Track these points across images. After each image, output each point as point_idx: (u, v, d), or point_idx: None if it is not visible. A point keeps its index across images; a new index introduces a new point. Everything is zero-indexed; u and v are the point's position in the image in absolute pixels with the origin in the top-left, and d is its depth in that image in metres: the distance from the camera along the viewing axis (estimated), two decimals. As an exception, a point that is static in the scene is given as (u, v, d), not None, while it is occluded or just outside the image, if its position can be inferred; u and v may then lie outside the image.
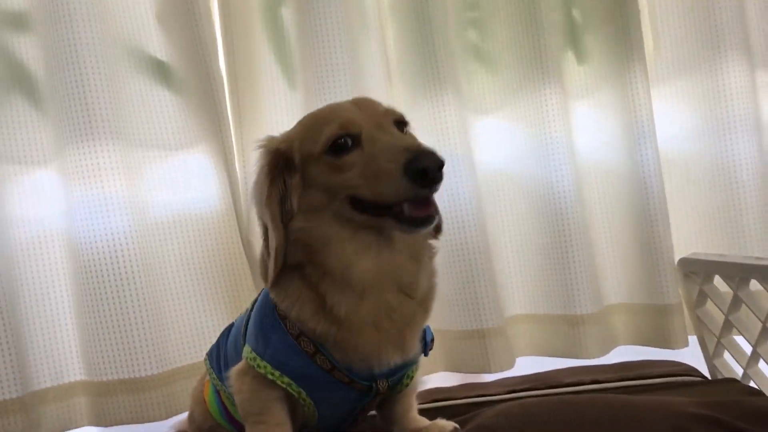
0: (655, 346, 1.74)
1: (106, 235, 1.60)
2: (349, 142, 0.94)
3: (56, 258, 1.66)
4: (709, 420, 1.06)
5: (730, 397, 1.25)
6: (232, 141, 1.69)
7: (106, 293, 1.60)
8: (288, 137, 1.04)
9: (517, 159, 1.79)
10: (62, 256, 1.66)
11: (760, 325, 1.41)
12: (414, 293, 1.03)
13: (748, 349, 1.51)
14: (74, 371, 1.67)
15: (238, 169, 1.70)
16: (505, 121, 1.80)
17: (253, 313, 1.13)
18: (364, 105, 1.01)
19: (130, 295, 1.60)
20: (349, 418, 1.18)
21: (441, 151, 1.65)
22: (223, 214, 1.71)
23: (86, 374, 1.66)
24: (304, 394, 1.05)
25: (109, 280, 1.60)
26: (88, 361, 1.64)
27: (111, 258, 1.59)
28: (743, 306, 1.47)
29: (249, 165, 1.71)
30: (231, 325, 1.31)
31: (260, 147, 1.05)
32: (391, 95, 1.78)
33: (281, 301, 1.03)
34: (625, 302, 1.81)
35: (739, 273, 1.43)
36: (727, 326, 1.54)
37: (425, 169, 0.86)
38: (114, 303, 1.60)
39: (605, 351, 1.76)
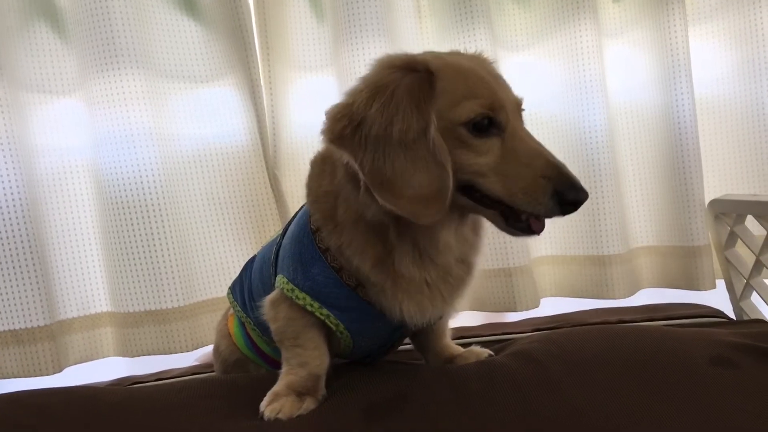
0: (682, 288, 1.74)
1: (131, 166, 1.59)
2: (487, 123, 0.89)
3: (82, 188, 1.65)
4: (751, 348, 1.05)
5: (765, 329, 1.24)
6: (259, 74, 1.67)
7: (132, 225, 1.60)
8: (430, 63, 0.91)
9: (549, 98, 1.76)
10: (88, 186, 1.65)
11: (791, 265, 1.40)
12: (472, 261, 1.04)
13: (777, 290, 1.50)
14: (101, 302, 1.68)
15: (265, 103, 1.68)
16: (537, 59, 1.77)
17: (286, 244, 1.11)
18: (503, 81, 0.96)
19: (156, 228, 1.60)
20: (383, 347, 1.18)
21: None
22: (250, 148, 1.69)
23: (112, 305, 1.66)
24: (342, 326, 1.04)
25: (135, 212, 1.59)
26: (115, 293, 1.64)
27: (137, 189, 1.58)
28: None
29: (276, 98, 1.69)
30: (253, 258, 1.31)
31: (415, 63, 0.91)
32: (421, 30, 1.74)
33: (346, 247, 0.99)
34: (653, 245, 1.80)
35: (773, 212, 1.41)
36: (758, 267, 1.52)
37: (576, 203, 0.85)
38: (140, 235, 1.60)
39: (631, 292, 1.75)
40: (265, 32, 1.68)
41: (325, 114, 0.91)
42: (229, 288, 1.34)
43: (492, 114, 0.88)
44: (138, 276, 1.61)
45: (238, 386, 1.10)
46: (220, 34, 1.67)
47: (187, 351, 1.65)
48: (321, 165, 1.04)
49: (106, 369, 1.70)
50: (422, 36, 1.73)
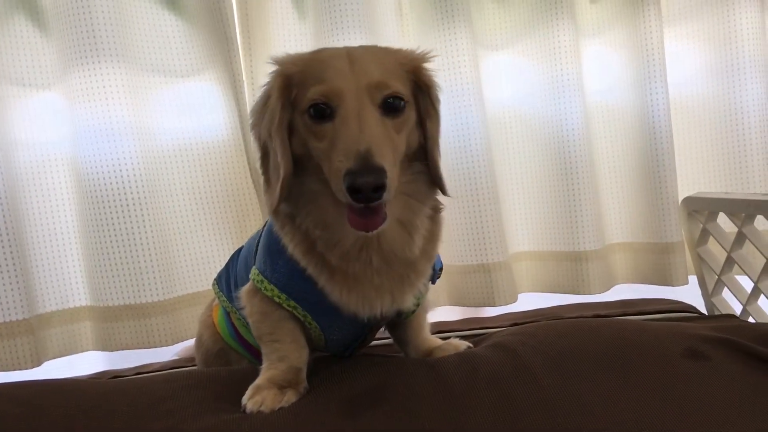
0: (655, 284, 1.78)
1: (112, 160, 1.58)
2: (329, 111, 0.90)
3: (62, 182, 1.64)
4: (722, 341, 1.08)
5: (736, 323, 1.28)
6: (241, 69, 1.67)
7: (112, 219, 1.59)
8: (297, 62, 0.97)
9: (526, 96, 1.79)
10: (68, 180, 1.64)
11: (763, 261, 1.43)
12: (402, 257, 1.01)
13: (747, 286, 1.54)
14: (80, 296, 1.67)
15: (246, 98, 1.68)
16: (516, 58, 1.80)
17: (262, 236, 1.13)
18: (362, 65, 0.92)
19: (137, 222, 1.59)
20: (356, 340, 1.19)
21: (452, 86, 1.69)
22: (231, 143, 1.69)
23: (92, 299, 1.66)
24: (309, 317, 1.06)
25: (115, 206, 1.58)
26: (94, 287, 1.64)
27: (117, 183, 1.58)
28: (746, 243, 1.50)
29: (258, 93, 1.68)
30: (240, 250, 1.32)
31: (275, 65, 0.99)
32: (402, 28, 1.76)
33: (281, 234, 1.03)
34: (628, 241, 1.84)
35: (744, 209, 1.45)
36: (729, 263, 1.57)
37: (358, 188, 0.82)
38: (120, 229, 1.59)
39: (606, 288, 1.79)
40: (247, 27, 1.69)
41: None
42: (215, 279, 1.35)
43: (326, 100, 0.90)
44: (118, 270, 1.61)
45: (220, 378, 1.11)
46: (202, 29, 1.67)
47: (167, 345, 1.65)
48: None
49: (85, 363, 1.70)
50: (403, 34, 1.75)
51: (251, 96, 1.69)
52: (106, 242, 1.60)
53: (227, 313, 1.29)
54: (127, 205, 1.59)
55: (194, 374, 1.15)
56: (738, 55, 1.75)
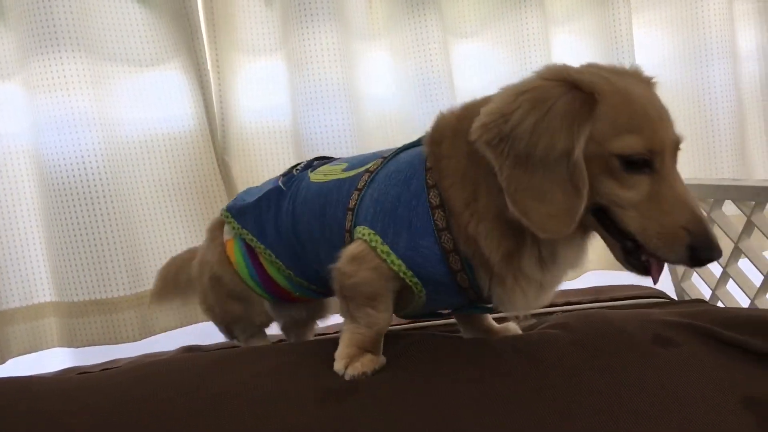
0: (626, 270, 1.78)
1: (74, 152, 1.55)
2: (644, 161, 0.86)
3: (23, 175, 1.61)
4: (687, 326, 1.08)
5: (703, 308, 1.29)
6: (206, 57, 1.64)
7: (76, 213, 1.56)
8: (595, 86, 0.87)
9: (496, 84, 1.78)
10: (30, 173, 1.61)
11: (731, 245, 1.45)
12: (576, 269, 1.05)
13: (716, 271, 1.55)
14: (44, 292, 1.64)
15: (213, 87, 1.65)
16: (486, 46, 1.79)
17: (386, 200, 1.04)
18: (666, 117, 0.91)
19: (101, 215, 1.56)
20: (440, 312, 1.19)
21: (422, 75, 1.68)
22: (198, 133, 1.67)
23: (56, 295, 1.62)
24: (424, 293, 1.03)
25: (79, 199, 1.55)
26: (58, 282, 1.61)
27: (80, 176, 1.55)
28: (715, 228, 1.51)
29: (224, 82, 1.66)
30: (278, 190, 1.23)
31: (580, 82, 0.87)
32: (371, 15, 1.74)
33: (483, 237, 0.96)
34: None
35: (713, 194, 1.46)
36: (697, 249, 1.58)
37: (708, 261, 0.85)
38: (84, 223, 1.56)
39: (577, 275, 1.80)
40: (211, 15, 1.66)
41: (483, 113, 0.91)
42: (227, 211, 1.28)
43: (648, 155, 0.86)
44: (83, 264, 1.58)
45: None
46: (165, 17, 1.64)
47: (135, 341, 1.63)
48: (453, 139, 1.00)
49: (50, 360, 1.67)
50: (372, 22, 1.74)
51: (217, 85, 1.66)
52: (70, 236, 1.57)
53: (249, 253, 1.24)
54: (92, 197, 1.55)
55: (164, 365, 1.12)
56: (705, 41, 1.76)
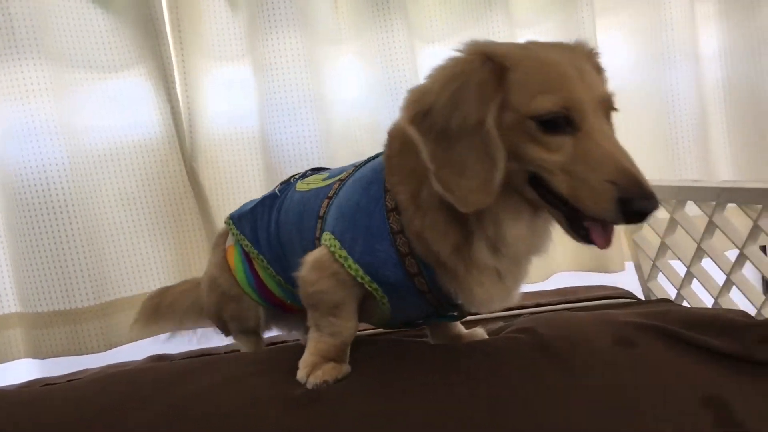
0: (593, 271, 1.81)
1: (36, 161, 1.53)
2: (561, 120, 0.85)
3: (-17, 185, 1.58)
4: (649, 327, 1.09)
5: (667, 308, 1.30)
6: (172, 63, 1.62)
7: (38, 222, 1.54)
8: (510, 57, 0.88)
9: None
10: (-10, 182, 1.58)
11: (694, 246, 1.47)
12: (540, 255, 1.02)
13: (681, 271, 1.57)
14: (8, 303, 1.62)
15: (179, 93, 1.64)
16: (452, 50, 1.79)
17: (346, 207, 1.05)
18: (589, 76, 0.88)
19: (65, 225, 1.54)
20: (414, 322, 1.17)
21: (390, 79, 1.68)
22: (165, 140, 1.65)
23: (21, 306, 1.60)
24: (386, 299, 1.02)
25: (42, 209, 1.53)
26: (23, 292, 1.58)
27: (43, 185, 1.52)
28: (678, 228, 1.53)
29: (191, 88, 1.65)
30: (273, 195, 1.25)
31: (478, 49, 0.89)
32: (338, 21, 1.73)
33: (429, 229, 0.96)
34: (566, 230, 1.86)
35: (675, 195, 1.48)
36: (663, 249, 1.60)
37: (643, 213, 0.80)
38: (47, 233, 1.54)
39: (545, 276, 1.81)
40: (177, 20, 1.64)
41: (408, 92, 0.91)
42: (229, 218, 1.30)
43: (565, 112, 0.84)
44: (47, 275, 1.55)
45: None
46: (129, 22, 1.62)
47: (101, 351, 1.61)
48: (402, 139, 0.99)
49: (15, 371, 1.64)
50: (339, 28, 1.73)
51: (184, 91, 1.65)
52: (33, 246, 1.54)
53: (246, 259, 1.25)
54: (54, 207, 1.53)
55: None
56: (669, 44, 1.78)
